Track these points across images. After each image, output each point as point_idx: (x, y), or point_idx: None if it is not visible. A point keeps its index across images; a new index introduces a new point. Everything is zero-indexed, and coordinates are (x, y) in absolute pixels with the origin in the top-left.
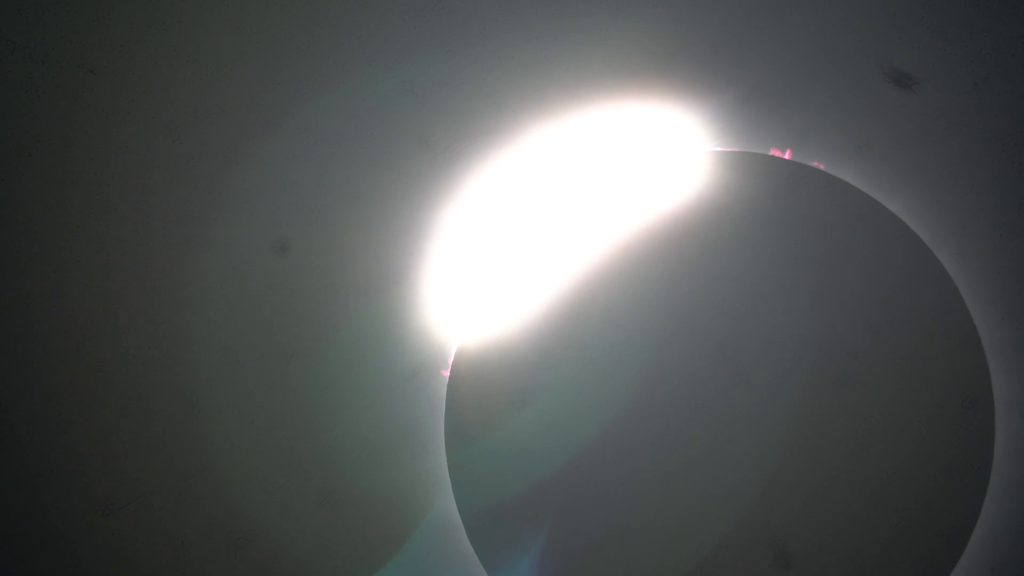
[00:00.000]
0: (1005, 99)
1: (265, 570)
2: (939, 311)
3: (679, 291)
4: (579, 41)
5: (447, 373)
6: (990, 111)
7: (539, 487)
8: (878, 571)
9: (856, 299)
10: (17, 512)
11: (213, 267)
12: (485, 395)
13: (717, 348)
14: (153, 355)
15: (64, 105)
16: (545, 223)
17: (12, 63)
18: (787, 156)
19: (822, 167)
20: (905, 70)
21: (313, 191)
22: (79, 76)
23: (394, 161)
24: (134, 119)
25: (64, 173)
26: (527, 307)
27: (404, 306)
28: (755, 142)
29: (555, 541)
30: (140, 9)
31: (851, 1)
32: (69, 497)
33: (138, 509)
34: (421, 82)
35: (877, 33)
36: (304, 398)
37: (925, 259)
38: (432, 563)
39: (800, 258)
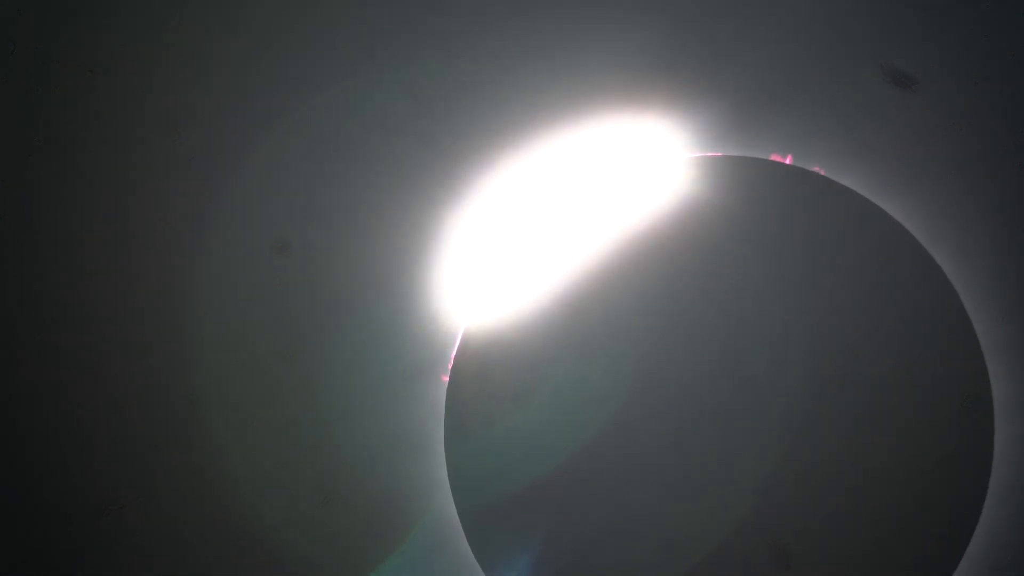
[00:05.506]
0: (1005, 99)
1: (265, 570)
2: (938, 312)
3: (680, 293)
4: (580, 43)
5: (447, 378)
6: (990, 111)
7: (537, 487)
8: (878, 571)
9: (855, 301)
10: (17, 512)
11: (213, 267)
12: (485, 394)
13: (717, 349)
14: (153, 355)
15: (64, 105)
16: (546, 223)
17: (12, 63)
18: (788, 161)
19: (822, 172)
20: (905, 70)
21: (313, 191)
22: (79, 76)
23: (394, 161)
24: (134, 119)
25: (64, 173)
26: (528, 306)
27: (405, 306)
28: (756, 147)
29: (553, 541)
30: (140, 9)
31: (851, 2)
32: (69, 497)
33: (138, 509)
34: (421, 82)
35: (877, 33)
36: (304, 398)
37: (923, 261)
38: (430, 563)
39: (800, 261)
